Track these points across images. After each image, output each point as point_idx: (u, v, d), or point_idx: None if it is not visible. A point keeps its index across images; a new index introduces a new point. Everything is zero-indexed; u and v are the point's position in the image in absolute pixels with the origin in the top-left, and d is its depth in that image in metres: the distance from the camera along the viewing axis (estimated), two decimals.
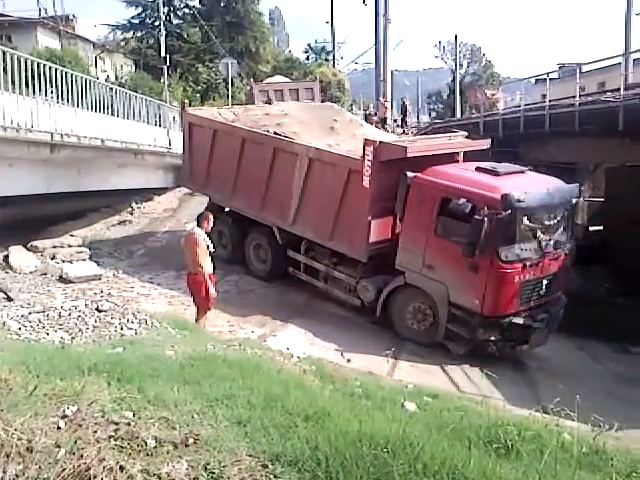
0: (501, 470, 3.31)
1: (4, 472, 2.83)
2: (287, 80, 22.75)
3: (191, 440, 3.30)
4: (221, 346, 6.64)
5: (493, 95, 27.50)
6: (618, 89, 13.83)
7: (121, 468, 2.93)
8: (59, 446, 3.07)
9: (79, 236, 16.04)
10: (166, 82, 27.27)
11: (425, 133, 23.59)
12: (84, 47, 32.29)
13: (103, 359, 4.75)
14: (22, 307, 9.04)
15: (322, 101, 21.00)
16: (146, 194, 20.02)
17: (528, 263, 9.15)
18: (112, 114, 16.41)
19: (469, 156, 11.30)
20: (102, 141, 14.97)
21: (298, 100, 19.11)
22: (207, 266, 8.28)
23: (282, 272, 12.52)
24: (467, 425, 4.36)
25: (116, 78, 31.25)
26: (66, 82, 13.75)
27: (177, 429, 3.44)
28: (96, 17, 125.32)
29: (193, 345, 6.26)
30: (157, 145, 19.01)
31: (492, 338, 9.32)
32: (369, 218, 10.28)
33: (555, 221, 9.55)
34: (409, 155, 9.93)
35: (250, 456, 3.21)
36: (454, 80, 41.75)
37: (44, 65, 13.15)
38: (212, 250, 8.41)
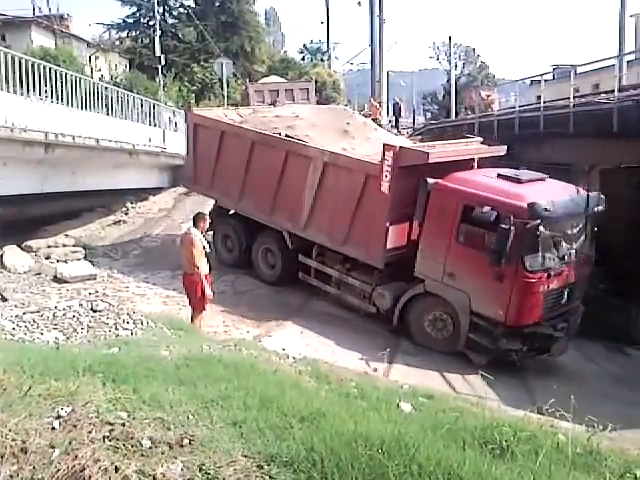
0: (496, 471, 3.32)
1: None
2: (282, 80, 22.78)
3: (186, 441, 3.30)
4: (216, 347, 6.64)
5: (488, 96, 27.46)
6: (612, 91, 13.87)
7: (116, 469, 2.92)
8: (53, 447, 3.06)
9: (74, 236, 15.98)
10: (161, 82, 27.24)
11: (420, 134, 23.63)
12: (78, 46, 32.16)
13: (98, 359, 4.74)
14: (16, 307, 9.01)
15: (317, 102, 21.03)
16: (141, 194, 19.99)
17: (552, 272, 9.04)
18: (107, 114, 16.38)
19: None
20: (97, 141, 14.94)
21: (293, 101, 19.14)
22: (203, 266, 8.27)
23: (292, 277, 12.25)
24: (462, 426, 4.37)
25: (111, 77, 31.16)
26: (60, 81, 13.71)
27: (172, 430, 3.43)
28: (91, 16, 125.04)
29: (188, 346, 6.25)
30: (152, 145, 18.98)
31: (514, 348, 9.17)
32: (387, 224, 10.08)
33: (577, 230, 9.46)
34: (431, 161, 9.73)
35: (245, 457, 3.21)
36: (449, 81, 41.81)
37: (38, 64, 13.12)
38: (208, 250, 8.40)
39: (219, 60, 28.79)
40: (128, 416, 3.55)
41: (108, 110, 16.55)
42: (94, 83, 16.57)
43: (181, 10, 39.37)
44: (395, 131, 25.78)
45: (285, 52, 54.17)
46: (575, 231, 9.45)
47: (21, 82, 12.30)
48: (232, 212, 13.67)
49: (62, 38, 30.59)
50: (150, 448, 3.19)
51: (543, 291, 9.02)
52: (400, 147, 10.05)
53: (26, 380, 3.87)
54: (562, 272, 9.22)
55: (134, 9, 38.11)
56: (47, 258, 13.68)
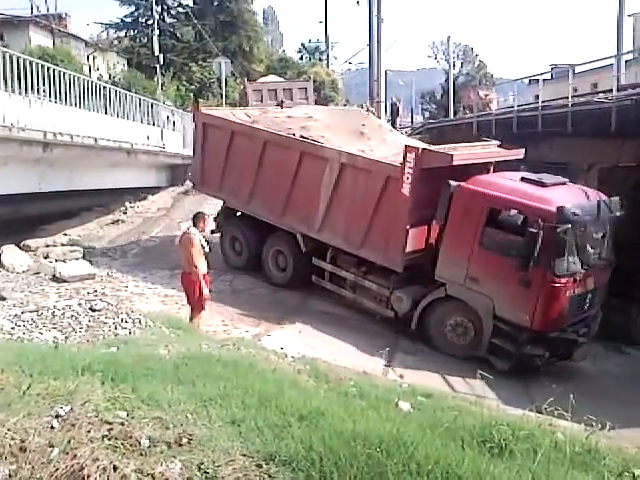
0: (495, 469, 3.32)
1: None
2: (281, 80, 22.69)
3: (185, 440, 3.30)
4: (215, 346, 6.63)
5: (486, 95, 27.52)
6: (611, 90, 13.89)
7: (115, 468, 2.93)
8: (52, 446, 3.06)
9: (72, 235, 15.98)
10: (159, 81, 27.22)
11: (418, 133, 23.62)
12: (77, 46, 32.13)
13: (97, 359, 4.74)
14: (15, 306, 9.01)
15: (315, 101, 21.01)
16: (140, 193, 20.00)
17: (578, 277, 8.99)
18: (105, 113, 16.37)
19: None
20: (95, 140, 14.94)
21: (292, 100, 19.12)
22: (202, 266, 8.27)
23: (304, 280, 12.03)
24: (461, 425, 4.37)
25: (109, 77, 31.14)
26: (59, 80, 13.70)
27: (171, 429, 3.43)
28: (89, 16, 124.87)
29: (187, 345, 6.24)
30: (151, 144, 18.99)
31: (538, 354, 9.08)
32: (407, 227, 9.95)
33: (601, 234, 9.43)
34: (455, 163, 9.61)
35: (244, 456, 3.21)
36: (447, 80, 41.84)
37: (36, 63, 13.10)
38: (207, 250, 8.39)
39: (217, 59, 28.80)
40: (127, 415, 3.55)
41: (106, 109, 16.54)
42: (92, 82, 16.56)
43: (179, 9, 39.42)
44: None
45: (283, 51, 54.19)
46: (599, 236, 9.41)
47: (19, 81, 12.28)
48: (241, 214, 13.43)
49: (60, 37, 30.56)
50: (149, 447, 3.19)
51: (569, 296, 8.96)
52: (423, 149, 9.88)
53: (25, 379, 3.88)
54: (586, 277, 9.17)
55: (132, 8, 38.14)
56: (46, 257, 13.67)
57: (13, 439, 3.03)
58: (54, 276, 11.98)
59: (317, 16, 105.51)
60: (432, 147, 10.10)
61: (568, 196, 9.17)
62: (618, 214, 9.53)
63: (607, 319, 10.28)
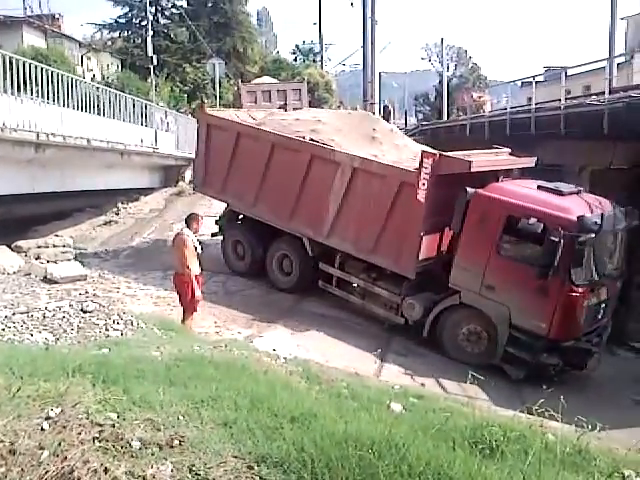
0: (486, 470, 3.33)
1: None
2: (275, 81, 22.76)
3: (176, 441, 3.30)
4: (207, 347, 6.62)
5: (480, 98, 27.65)
6: (603, 93, 13.96)
7: (105, 470, 2.92)
8: (42, 448, 3.05)
9: (64, 236, 15.90)
10: (153, 82, 27.17)
11: (412, 135, 23.65)
12: (70, 46, 32.06)
13: (88, 360, 4.72)
14: (5, 308, 8.94)
15: (309, 102, 21.03)
16: (132, 194, 19.93)
17: (595, 287, 9.02)
18: (98, 114, 16.32)
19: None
20: (88, 141, 14.89)
21: (285, 101, 19.13)
22: (194, 267, 8.26)
23: (310, 284, 11.86)
24: (452, 426, 4.38)
25: (102, 78, 31.07)
26: (52, 81, 13.65)
27: (162, 430, 3.43)
28: (83, 16, 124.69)
29: (179, 346, 6.24)
30: (144, 145, 18.93)
31: (553, 363, 9.07)
32: (422, 233, 9.83)
33: (617, 244, 9.45)
34: (473, 170, 9.51)
35: (236, 457, 3.21)
36: (441, 82, 41.95)
37: (30, 64, 13.05)
38: (200, 251, 8.38)
39: (211, 60, 28.85)
40: (118, 417, 3.54)
41: (100, 110, 16.49)
42: (86, 83, 16.51)
43: (173, 10, 39.31)
44: None
45: (277, 53, 54.20)
46: (615, 245, 9.43)
47: (12, 82, 12.23)
48: (244, 217, 13.22)
49: (53, 38, 30.48)
50: (140, 449, 3.19)
51: (586, 306, 8.96)
52: (440, 154, 9.74)
53: (15, 381, 3.86)
54: (601, 287, 9.20)
55: (126, 9, 38.02)
56: (37, 258, 13.60)
57: (2, 441, 3.02)
58: (45, 277, 11.92)
59: (311, 18, 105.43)
60: (449, 153, 9.93)
61: (586, 205, 9.12)
62: (634, 224, 9.49)
63: None
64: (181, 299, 8.56)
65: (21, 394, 3.61)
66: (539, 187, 9.59)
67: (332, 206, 11.03)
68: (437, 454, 3.40)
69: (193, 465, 3.08)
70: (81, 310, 8.04)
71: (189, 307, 8.46)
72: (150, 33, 27.80)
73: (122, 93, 18.90)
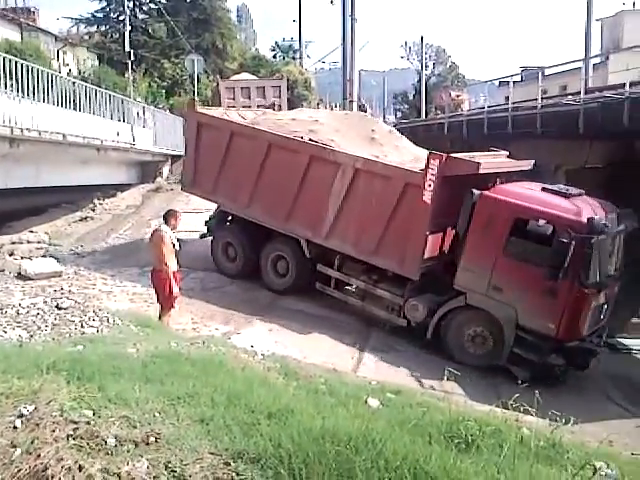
0: (461, 465, 3.36)
1: None
2: (254, 78, 22.74)
3: (152, 439, 3.28)
4: (184, 344, 6.59)
5: (458, 96, 27.89)
6: (579, 92, 14.16)
7: (80, 468, 2.89)
8: (15, 446, 3.02)
9: (39, 232, 15.69)
10: (130, 77, 26.86)
11: None
12: (46, 40, 31.58)
13: (62, 357, 4.67)
14: None
15: (289, 99, 21.03)
16: (109, 190, 19.70)
17: (601, 288, 9.12)
18: (75, 109, 16.11)
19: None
20: (64, 136, 14.68)
21: (264, 98, 19.12)
22: (172, 263, 8.21)
23: (306, 286, 11.65)
24: (429, 421, 4.42)
25: (79, 72, 30.65)
26: (27, 75, 13.43)
27: (138, 428, 3.41)
28: (59, 10, 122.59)
29: (156, 343, 6.19)
30: (121, 141, 18.73)
31: (559, 363, 9.14)
32: (427, 235, 9.78)
33: (619, 246, 9.55)
34: (481, 171, 9.48)
35: (212, 454, 3.20)
36: (419, 81, 42.22)
37: (4, 58, 12.83)
38: (178, 248, 8.32)
39: (190, 56, 28.60)
40: (93, 414, 3.51)
41: (76, 105, 16.27)
42: (62, 78, 16.28)
43: (152, 5, 38.89)
44: None
45: (257, 49, 54.03)
46: (617, 247, 9.53)
47: None
48: (235, 217, 12.84)
49: (28, 32, 30.00)
50: (115, 446, 3.17)
51: (592, 306, 9.08)
52: (448, 156, 9.64)
53: None
54: (606, 288, 9.32)
55: (104, 3, 37.54)
56: (11, 255, 13.39)
57: None
58: (19, 274, 11.73)
59: (291, 15, 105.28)
60: (457, 155, 9.89)
61: (591, 207, 9.21)
62: (635, 226, 9.61)
63: None
64: (158, 296, 8.50)
65: None
66: (544, 189, 9.62)
67: (332, 207, 10.84)
68: (413, 449, 3.42)
69: (169, 462, 3.07)
70: (56, 307, 7.94)
71: (166, 304, 8.41)
72: (128, 28, 27.43)
73: (99, 88, 18.67)
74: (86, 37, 38.85)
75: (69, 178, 16.70)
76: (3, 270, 12.09)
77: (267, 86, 19.68)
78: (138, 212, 18.48)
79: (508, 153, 11.53)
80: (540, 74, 17.64)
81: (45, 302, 8.20)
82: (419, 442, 3.68)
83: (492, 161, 10.51)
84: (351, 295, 11.28)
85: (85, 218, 17.76)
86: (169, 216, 8.50)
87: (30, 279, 11.40)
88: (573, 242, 8.48)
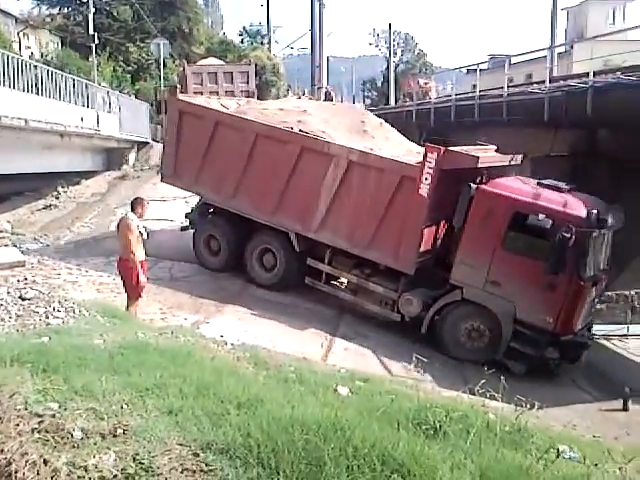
0: (429, 450, 3.42)
1: None
2: (221, 63, 22.38)
3: (120, 431, 3.26)
4: (152, 334, 6.52)
5: (426, 84, 27.95)
6: (544, 81, 14.34)
7: (45, 462, 2.86)
8: None
9: (1, 221, 15.31)
10: (95, 61, 26.26)
11: None
12: (5, 22, 30.59)
13: (27, 349, 4.60)
14: None
15: (257, 85, 20.81)
16: (73, 178, 19.30)
17: (597, 281, 9.29)
18: (37, 93, 15.69)
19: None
20: (26, 121, 14.28)
21: (232, 83, 18.88)
22: (139, 252, 8.09)
23: (294, 280, 11.44)
24: (397, 408, 4.47)
25: (41, 56, 29.81)
26: None
27: (105, 420, 3.38)
28: None
29: (123, 334, 6.11)
30: (85, 126, 18.32)
31: (555, 357, 9.24)
32: (422, 228, 9.74)
33: (609, 240, 9.67)
34: (479, 165, 9.47)
35: (181, 445, 3.19)
36: (388, 68, 42.26)
37: None
38: (145, 237, 8.21)
39: (156, 40, 28.10)
40: (59, 407, 3.47)
41: (38, 90, 15.84)
42: (23, 61, 15.82)
43: None
44: None
45: (224, 34, 53.18)
46: (608, 242, 9.67)
47: None
48: (219, 210, 12.37)
49: None
50: (82, 439, 3.14)
51: (588, 300, 9.25)
52: (446, 149, 9.58)
53: None
54: (600, 281, 9.51)
55: None
56: None
57: None
58: None
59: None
60: (455, 148, 9.86)
61: (584, 202, 9.30)
62: (623, 221, 9.73)
63: None
64: (125, 285, 8.38)
65: None
66: (539, 184, 9.71)
67: (323, 200, 10.66)
68: (382, 436, 3.47)
69: (137, 454, 3.05)
70: (19, 297, 7.76)
71: (133, 293, 8.29)
72: (92, 10, 26.71)
73: (62, 72, 18.20)
74: (48, 19, 37.76)
75: (32, 165, 16.29)
76: None
77: (235, 71, 19.39)
78: (104, 200, 18.18)
79: (496, 147, 11.42)
80: (507, 62, 17.82)
81: (8, 293, 7.99)
82: (387, 429, 3.73)
83: (487, 155, 10.50)
84: (343, 290, 11.20)
85: (49, 206, 17.40)
86: (136, 204, 8.36)
87: None
88: (574, 236, 8.57)
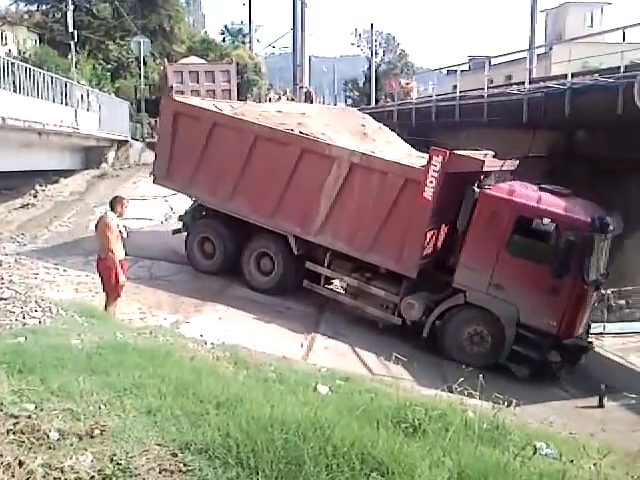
0: (408, 449, 3.43)
1: None
2: (202, 61, 22.28)
3: (97, 431, 3.22)
4: (131, 334, 6.46)
5: (407, 84, 28.03)
6: (523, 82, 14.50)
7: (20, 463, 2.81)
8: None
9: None
10: (74, 59, 25.97)
11: None
12: None
13: (2, 349, 4.55)
14: None
15: (238, 84, 20.74)
16: (51, 176, 19.07)
17: (599, 285, 9.42)
18: (14, 91, 15.47)
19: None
20: (3, 119, 14.09)
21: (214, 82, 18.80)
22: (118, 251, 8.02)
23: (292, 284, 11.36)
24: (377, 407, 4.49)
25: (19, 53, 29.44)
26: None
27: (82, 420, 3.34)
28: None
29: (101, 334, 6.05)
30: (63, 125, 18.11)
31: (557, 360, 9.30)
32: (426, 231, 9.72)
33: (609, 246, 9.73)
34: (485, 169, 9.51)
35: (159, 445, 3.17)
36: (369, 68, 42.39)
37: None
38: (125, 236, 8.13)
39: (136, 38, 27.90)
40: (35, 408, 3.43)
41: (16, 87, 15.62)
42: (0, 58, 15.59)
43: None
44: None
45: (206, 33, 52.87)
46: (608, 247, 9.73)
47: None
48: (214, 212, 12.12)
49: None
50: (58, 440, 3.10)
51: (590, 303, 9.38)
52: (451, 153, 9.52)
53: None
54: (601, 286, 9.66)
55: None
56: None
57: None
58: None
59: None
60: (460, 152, 9.83)
61: (585, 206, 9.41)
62: (622, 227, 9.80)
63: None
64: (104, 285, 8.30)
65: None
66: (541, 188, 9.78)
67: (324, 203, 10.57)
68: (361, 434, 3.47)
69: (114, 455, 3.01)
70: None
71: (112, 293, 8.22)
72: (71, 7, 26.42)
73: (40, 70, 17.97)
74: (26, 16, 37.29)
75: (9, 163, 16.06)
76: None
77: (216, 70, 19.30)
78: (82, 199, 17.99)
79: (494, 153, 11.36)
80: (487, 64, 17.98)
81: None
82: (367, 428, 3.73)
83: (493, 159, 10.58)
84: (342, 293, 11.16)
85: (26, 205, 17.20)
86: (115, 203, 8.28)
87: None
88: (579, 240, 8.69)
